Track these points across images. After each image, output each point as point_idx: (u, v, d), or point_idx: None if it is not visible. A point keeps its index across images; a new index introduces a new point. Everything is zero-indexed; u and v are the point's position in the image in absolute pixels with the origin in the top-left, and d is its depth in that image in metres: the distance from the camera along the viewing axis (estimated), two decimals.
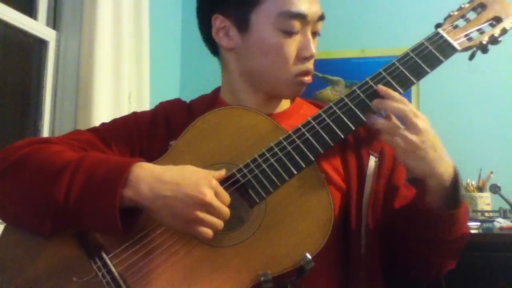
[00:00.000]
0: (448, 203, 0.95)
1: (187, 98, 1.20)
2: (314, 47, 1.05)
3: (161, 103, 1.17)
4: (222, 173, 0.92)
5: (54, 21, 2.13)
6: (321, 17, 1.06)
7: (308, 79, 1.06)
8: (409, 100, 2.61)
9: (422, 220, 0.97)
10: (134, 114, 1.16)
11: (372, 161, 1.06)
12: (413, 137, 0.91)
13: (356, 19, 2.73)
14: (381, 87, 0.97)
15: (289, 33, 1.02)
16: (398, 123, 0.95)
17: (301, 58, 1.04)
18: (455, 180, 0.95)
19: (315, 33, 1.07)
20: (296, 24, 1.02)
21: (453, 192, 0.95)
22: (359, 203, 1.03)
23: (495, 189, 2.10)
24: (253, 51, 1.05)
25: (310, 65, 1.06)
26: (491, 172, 2.25)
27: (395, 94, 0.96)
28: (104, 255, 0.91)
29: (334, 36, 2.61)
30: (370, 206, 1.04)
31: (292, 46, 1.03)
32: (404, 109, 0.93)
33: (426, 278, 1.11)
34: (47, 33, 2.08)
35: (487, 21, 1.05)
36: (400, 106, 0.94)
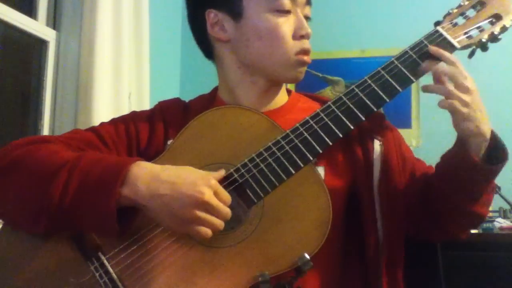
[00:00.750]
0: (489, 160, 0.97)
1: (187, 98, 1.20)
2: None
3: (159, 103, 1.17)
4: (222, 173, 0.91)
5: (54, 21, 2.13)
6: (309, 1, 1.09)
7: (307, 58, 1.07)
8: (409, 100, 2.61)
9: (466, 176, 0.98)
10: (133, 113, 1.16)
11: (377, 145, 1.06)
12: (466, 98, 0.93)
13: (356, 19, 2.73)
14: (433, 48, 0.98)
15: (282, 12, 1.04)
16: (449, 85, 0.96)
17: (298, 37, 1.05)
18: (495, 137, 0.98)
19: (305, 18, 1.08)
20: (287, 3, 1.03)
21: (495, 148, 0.98)
22: (369, 190, 1.03)
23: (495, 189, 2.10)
24: (249, 37, 1.05)
25: (307, 44, 1.07)
26: None
27: (447, 54, 0.97)
28: (102, 256, 0.91)
29: (334, 36, 2.62)
30: (383, 190, 1.03)
31: (286, 25, 1.04)
32: (455, 73, 0.95)
33: (465, 232, 1.11)
34: (47, 33, 2.08)
35: (487, 18, 1.04)
36: (451, 69, 0.95)
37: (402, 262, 1.06)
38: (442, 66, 0.97)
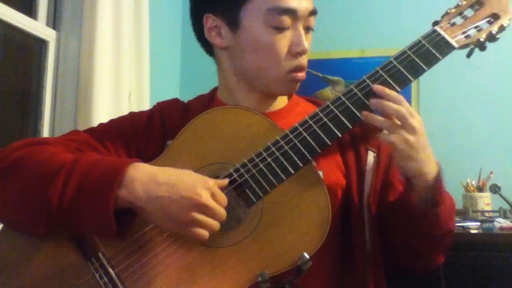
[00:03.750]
0: (431, 201, 0.96)
1: (187, 98, 1.20)
2: (307, 42, 1.04)
3: (158, 103, 1.17)
4: (225, 181, 0.92)
5: (54, 21, 2.13)
6: (313, 12, 1.06)
7: (301, 75, 1.06)
8: (409, 100, 2.60)
9: (408, 215, 0.99)
10: (131, 114, 1.16)
11: (371, 157, 1.06)
12: (409, 137, 0.92)
13: (356, 19, 2.73)
14: (377, 87, 0.96)
15: (279, 29, 1.02)
16: (397, 121, 0.95)
17: (294, 53, 1.03)
18: (438, 179, 0.96)
19: (308, 28, 1.07)
20: (286, 20, 1.01)
21: (435, 191, 0.96)
22: (360, 198, 1.03)
23: (495, 189, 2.10)
24: (244, 49, 1.05)
25: (303, 60, 1.05)
26: (491, 172, 2.24)
27: (392, 93, 0.95)
28: (101, 256, 0.91)
29: (334, 36, 2.61)
30: (371, 201, 1.04)
31: (283, 42, 1.02)
32: (400, 110, 0.93)
33: (415, 270, 1.11)
34: (47, 33, 2.08)
35: (485, 18, 1.04)
36: (396, 107, 0.93)
37: (384, 273, 1.07)
38: (388, 104, 0.94)
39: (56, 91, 2.09)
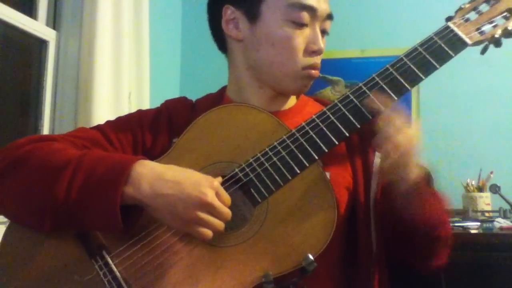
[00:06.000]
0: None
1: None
2: (322, 43, 1.05)
3: (165, 101, 1.17)
4: (220, 179, 0.92)
5: (54, 21, 2.13)
6: (330, 16, 1.07)
7: (315, 72, 1.06)
8: (409, 100, 2.61)
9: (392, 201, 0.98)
10: (138, 112, 1.16)
11: (377, 158, 1.05)
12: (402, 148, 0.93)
13: (356, 19, 2.73)
14: (369, 102, 0.95)
15: (298, 25, 1.03)
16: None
17: (309, 51, 1.04)
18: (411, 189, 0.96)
19: (323, 32, 1.07)
20: (306, 16, 1.02)
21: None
22: (366, 200, 1.03)
23: (495, 189, 2.10)
24: (261, 42, 1.05)
25: (317, 60, 1.06)
26: (491, 172, 2.25)
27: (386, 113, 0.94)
28: (106, 254, 0.91)
29: (334, 36, 2.60)
30: (378, 201, 1.03)
31: (300, 38, 1.03)
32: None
33: (417, 270, 1.09)
34: (47, 33, 2.08)
35: (501, 13, 1.00)
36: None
37: (388, 276, 1.06)
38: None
39: (56, 91, 2.09)
